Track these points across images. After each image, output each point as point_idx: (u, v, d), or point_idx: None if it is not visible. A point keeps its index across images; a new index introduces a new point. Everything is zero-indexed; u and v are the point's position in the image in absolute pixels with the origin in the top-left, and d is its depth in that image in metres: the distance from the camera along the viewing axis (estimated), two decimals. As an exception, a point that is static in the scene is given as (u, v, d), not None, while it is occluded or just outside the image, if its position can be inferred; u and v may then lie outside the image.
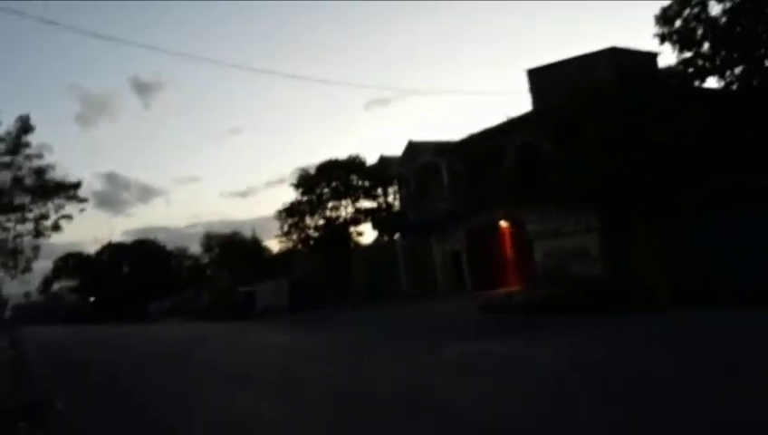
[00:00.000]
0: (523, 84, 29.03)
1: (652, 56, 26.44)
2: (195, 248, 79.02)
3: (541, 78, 28.14)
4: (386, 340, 16.43)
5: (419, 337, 16.12)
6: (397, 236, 41.76)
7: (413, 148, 36.79)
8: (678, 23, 22.84)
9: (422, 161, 35.65)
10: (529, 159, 26.82)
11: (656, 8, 25.83)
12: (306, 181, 47.68)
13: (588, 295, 17.42)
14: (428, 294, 32.62)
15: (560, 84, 25.39)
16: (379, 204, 46.47)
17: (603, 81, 22.38)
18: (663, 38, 23.13)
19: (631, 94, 20.63)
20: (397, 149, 40.35)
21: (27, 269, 41.54)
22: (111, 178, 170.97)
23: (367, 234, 47.73)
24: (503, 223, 29.39)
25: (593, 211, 23.13)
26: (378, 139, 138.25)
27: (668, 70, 25.14)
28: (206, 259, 75.41)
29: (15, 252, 39.90)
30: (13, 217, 38.21)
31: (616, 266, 20.87)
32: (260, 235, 68.77)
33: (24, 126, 36.09)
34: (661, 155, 18.95)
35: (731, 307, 13.48)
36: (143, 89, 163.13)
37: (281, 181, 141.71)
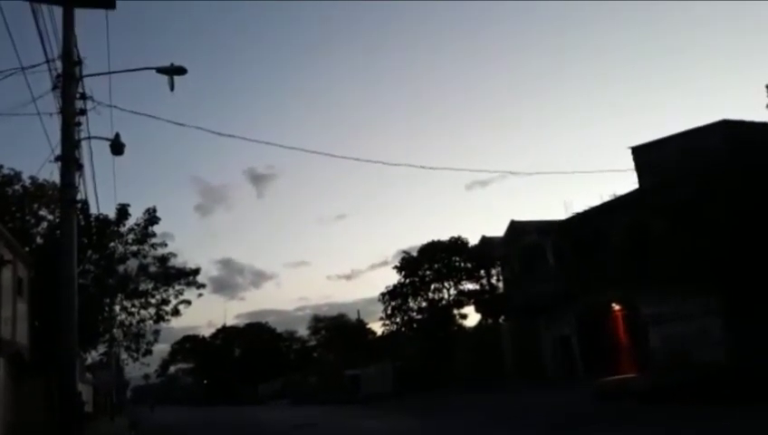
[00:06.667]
0: (627, 162, 28.31)
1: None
2: (302, 331, 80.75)
3: (646, 155, 27.36)
4: (499, 429, 15.88)
5: (532, 425, 15.48)
6: (501, 319, 40.87)
7: (516, 228, 36.36)
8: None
9: (526, 242, 35.09)
10: (638, 239, 25.84)
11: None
12: (409, 264, 48.09)
13: (713, 384, 16.22)
14: (536, 379, 31.39)
15: (667, 161, 24.59)
16: (482, 286, 45.87)
17: (717, 156, 21.49)
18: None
19: (751, 170, 19.68)
20: (498, 231, 40.07)
21: (148, 352, 44.11)
22: (226, 263, 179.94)
23: (470, 316, 47.10)
24: (615, 306, 28.15)
25: (715, 293, 21.77)
26: (479, 220, 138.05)
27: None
28: (313, 341, 76.69)
29: (138, 336, 42.51)
30: (137, 302, 40.98)
31: (742, 353, 19.36)
32: (364, 317, 69.58)
33: (151, 218, 39.15)
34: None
35: None
36: (257, 179, 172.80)
37: (384, 264, 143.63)
